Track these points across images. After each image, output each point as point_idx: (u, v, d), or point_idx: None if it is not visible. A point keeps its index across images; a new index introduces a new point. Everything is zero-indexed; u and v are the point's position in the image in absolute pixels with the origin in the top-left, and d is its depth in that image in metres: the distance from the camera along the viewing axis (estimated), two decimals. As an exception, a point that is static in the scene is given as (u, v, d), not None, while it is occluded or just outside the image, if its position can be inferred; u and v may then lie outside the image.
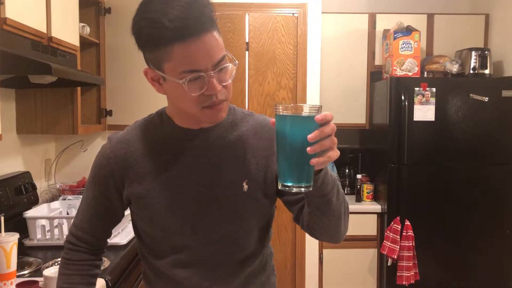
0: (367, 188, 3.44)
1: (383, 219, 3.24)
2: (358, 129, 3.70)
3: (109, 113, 2.93)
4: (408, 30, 3.24)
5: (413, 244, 3.05)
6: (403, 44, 3.20)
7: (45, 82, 2.03)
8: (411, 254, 3.04)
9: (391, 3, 3.78)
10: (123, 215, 1.20)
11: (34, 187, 2.38)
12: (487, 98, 3.09)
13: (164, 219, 1.10)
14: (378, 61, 3.52)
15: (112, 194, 1.13)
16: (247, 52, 3.28)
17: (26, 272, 1.79)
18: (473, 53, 3.28)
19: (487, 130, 3.12)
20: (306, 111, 0.87)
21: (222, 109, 1.02)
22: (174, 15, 0.91)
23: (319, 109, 0.87)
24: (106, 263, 1.85)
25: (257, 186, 1.11)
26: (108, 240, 1.25)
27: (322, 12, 3.30)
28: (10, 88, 2.39)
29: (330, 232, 1.07)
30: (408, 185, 3.11)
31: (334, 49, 3.49)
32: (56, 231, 2.17)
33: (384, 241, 3.11)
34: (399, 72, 3.22)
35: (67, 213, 2.42)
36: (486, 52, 3.28)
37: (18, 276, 1.67)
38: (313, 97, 3.29)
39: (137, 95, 2.90)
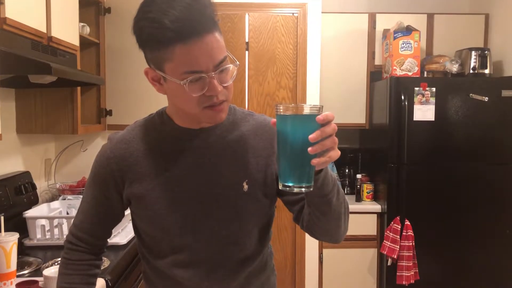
0: (367, 188, 3.44)
1: (383, 219, 3.24)
2: (358, 129, 3.70)
3: (109, 113, 2.93)
4: (408, 30, 3.24)
5: (413, 244, 3.05)
6: (403, 44, 3.20)
7: (45, 82, 2.03)
8: (411, 254, 3.04)
9: (391, 3, 3.78)
10: (123, 215, 1.20)
11: (34, 187, 2.38)
12: (487, 98, 3.09)
13: (164, 219, 1.10)
14: (378, 61, 3.52)
15: (112, 194, 1.13)
16: (247, 52, 3.28)
17: (26, 272, 1.79)
18: (473, 53, 3.28)
19: (487, 130, 3.12)
20: (307, 111, 0.87)
21: (222, 109, 1.02)
22: (175, 15, 0.91)
23: (320, 109, 0.87)
24: (106, 263, 1.85)
25: (257, 186, 1.11)
26: (108, 240, 1.25)
27: (322, 12, 3.30)
28: (10, 88, 2.39)
29: (330, 232, 1.08)
30: (408, 185, 3.11)
31: (334, 49, 3.49)
32: (56, 231, 2.17)
33: (384, 241, 3.11)
34: (399, 72, 3.22)
35: (67, 213, 2.42)
36: (486, 52, 3.28)
37: (18, 276, 1.68)
38: (313, 97, 3.29)
39: (137, 95, 2.90)
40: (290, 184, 0.88)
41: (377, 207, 3.31)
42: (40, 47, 2.01)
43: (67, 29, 2.32)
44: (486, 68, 3.28)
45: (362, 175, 3.49)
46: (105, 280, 1.70)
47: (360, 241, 3.31)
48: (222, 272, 1.12)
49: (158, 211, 1.09)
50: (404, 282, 3.03)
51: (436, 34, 3.50)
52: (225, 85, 1.00)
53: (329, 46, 3.47)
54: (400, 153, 3.10)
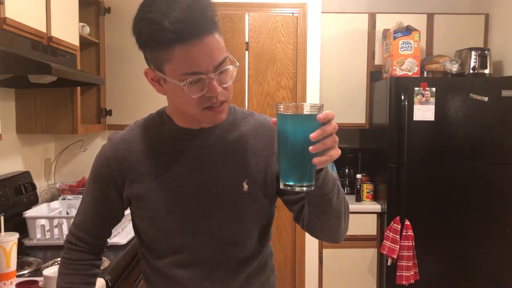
0: (367, 188, 3.44)
1: (383, 219, 3.24)
2: (358, 129, 3.70)
3: (109, 113, 2.93)
4: (408, 30, 3.24)
5: (413, 243, 3.05)
6: (403, 44, 3.20)
7: (45, 81, 2.03)
8: (411, 253, 3.04)
9: (391, 3, 3.78)
10: (123, 215, 1.20)
11: (34, 187, 2.38)
12: (487, 98, 3.09)
13: (164, 219, 1.10)
14: (378, 61, 3.52)
15: (112, 194, 1.13)
16: (247, 52, 3.28)
17: (26, 272, 1.79)
18: (473, 53, 3.28)
19: (487, 130, 3.12)
20: (307, 110, 0.86)
21: (222, 110, 1.02)
22: (175, 17, 0.90)
23: (320, 108, 0.87)
24: (106, 263, 1.85)
25: (257, 186, 1.11)
26: (108, 240, 1.25)
27: (322, 12, 3.30)
28: (10, 88, 2.39)
29: (331, 231, 1.08)
30: (408, 184, 3.11)
31: (334, 48, 3.49)
32: (56, 231, 2.17)
33: (384, 240, 3.11)
34: (399, 72, 3.22)
35: (67, 213, 2.42)
36: (486, 52, 3.28)
37: (18, 276, 1.67)
38: (313, 97, 3.29)
39: (137, 95, 2.90)
40: (291, 183, 0.88)
41: (377, 207, 3.31)
42: (40, 47, 2.01)
43: (67, 29, 2.32)
44: (486, 68, 3.28)
45: (362, 175, 3.49)
46: (105, 280, 1.71)
47: (360, 241, 3.31)
48: (222, 272, 1.12)
49: (158, 211, 1.09)
50: (404, 282, 3.03)
51: (436, 34, 3.50)
52: (225, 86, 1.00)
53: (329, 46, 3.47)
54: (400, 153, 3.10)
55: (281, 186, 0.90)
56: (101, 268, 1.68)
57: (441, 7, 3.73)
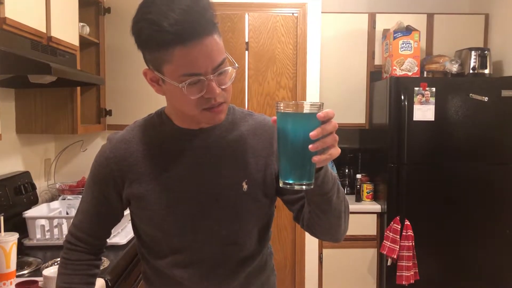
0: (366, 188, 3.44)
1: (383, 219, 3.24)
2: (358, 129, 3.70)
3: (109, 113, 2.93)
4: (407, 30, 3.24)
5: (413, 244, 3.05)
6: (402, 44, 3.20)
7: (45, 82, 2.03)
8: (411, 254, 3.04)
9: (390, 3, 3.78)
10: (122, 215, 1.20)
11: (33, 187, 2.38)
12: (486, 98, 3.09)
13: (163, 219, 1.10)
14: (377, 61, 3.52)
15: (111, 194, 1.13)
16: (246, 52, 3.28)
17: (25, 272, 1.79)
18: (473, 53, 3.28)
19: (487, 130, 3.12)
20: (307, 108, 0.86)
21: (221, 111, 1.02)
22: (174, 18, 0.90)
23: (320, 106, 0.87)
24: (105, 263, 1.85)
25: (257, 186, 1.11)
26: (107, 240, 1.25)
27: (322, 12, 3.30)
28: (10, 88, 2.39)
29: (331, 231, 1.08)
30: (408, 185, 3.11)
31: (333, 48, 3.49)
32: (55, 231, 2.17)
33: (384, 241, 3.11)
34: (398, 72, 3.22)
35: (67, 213, 2.42)
36: (486, 52, 3.28)
37: (17, 276, 1.67)
38: (312, 97, 3.29)
39: (137, 95, 2.90)
40: (291, 182, 0.88)
41: (377, 207, 3.31)
42: (39, 47, 2.01)
43: (67, 29, 2.32)
44: (486, 68, 3.28)
45: (362, 175, 3.49)
46: (104, 280, 1.70)
47: (360, 241, 3.31)
48: (222, 272, 1.12)
49: (158, 211, 1.09)
50: (404, 282, 3.03)
51: (436, 34, 3.50)
52: (224, 87, 0.99)
53: (329, 46, 3.47)
54: (400, 153, 3.10)
55: (281, 185, 0.90)
56: (101, 268, 1.67)
57: (441, 7, 3.73)
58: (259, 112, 1.24)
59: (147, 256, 1.18)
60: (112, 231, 1.25)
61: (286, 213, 3.24)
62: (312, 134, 0.84)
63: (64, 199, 2.56)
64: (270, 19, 3.26)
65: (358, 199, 3.43)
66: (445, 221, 3.14)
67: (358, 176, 3.47)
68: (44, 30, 2.05)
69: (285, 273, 3.39)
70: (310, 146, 0.84)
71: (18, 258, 1.66)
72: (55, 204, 2.46)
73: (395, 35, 3.21)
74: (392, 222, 3.10)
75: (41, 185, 2.69)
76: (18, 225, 2.07)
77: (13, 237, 1.58)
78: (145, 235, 1.16)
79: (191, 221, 1.09)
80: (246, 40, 3.27)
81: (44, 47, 2.05)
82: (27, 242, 2.12)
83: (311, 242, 3.32)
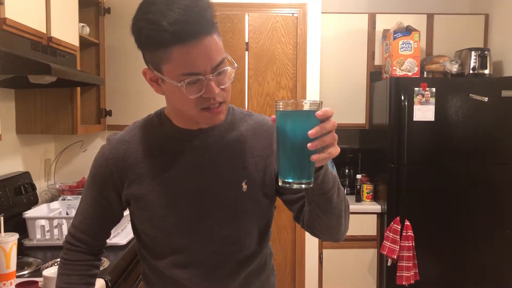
0: (367, 188, 3.44)
1: (383, 219, 3.24)
2: (357, 129, 3.70)
3: (109, 113, 2.93)
4: (407, 30, 3.24)
5: (413, 244, 3.05)
6: (402, 44, 3.20)
7: (45, 82, 2.03)
8: (411, 254, 3.04)
9: (390, 3, 3.78)
10: (122, 216, 1.20)
11: (33, 187, 2.38)
12: (486, 98, 3.09)
13: (163, 219, 1.10)
14: (377, 61, 3.52)
15: (111, 195, 1.13)
16: (246, 52, 3.28)
17: (25, 272, 1.79)
18: (473, 53, 3.28)
19: (487, 130, 3.12)
20: (306, 107, 0.86)
21: (220, 111, 1.02)
22: (174, 18, 0.90)
23: (319, 105, 0.87)
24: (105, 263, 1.85)
25: (256, 186, 1.11)
26: (107, 240, 1.25)
27: (322, 12, 3.30)
28: (10, 88, 2.39)
29: (331, 230, 1.08)
30: (408, 185, 3.11)
31: (333, 49, 3.49)
32: (55, 231, 2.17)
33: (384, 241, 3.11)
34: (398, 72, 3.22)
35: (67, 213, 2.42)
36: (486, 52, 3.28)
37: (17, 277, 1.67)
38: (312, 97, 3.29)
39: (137, 95, 2.90)
40: (290, 181, 0.88)
41: (377, 207, 3.31)
42: (39, 48, 2.01)
43: (67, 29, 2.32)
44: (486, 68, 3.28)
45: (362, 175, 3.49)
46: (104, 280, 1.71)
47: (360, 241, 3.31)
48: (221, 272, 1.12)
49: (157, 212, 1.09)
50: (404, 283, 3.03)
51: (436, 34, 3.50)
52: (223, 87, 1.00)
53: (329, 46, 3.47)
54: (400, 153, 3.10)
55: (280, 183, 0.90)
56: (101, 269, 1.68)
57: (441, 7, 3.73)
58: (259, 113, 1.24)
59: (146, 257, 1.18)
60: (112, 231, 1.25)
61: (286, 213, 3.24)
62: (310, 132, 0.84)
63: (64, 200, 2.57)
64: (270, 20, 3.26)
65: (358, 200, 3.43)
66: (445, 222, 3.14)
67: (358, 176, 3.47)
68: (44, 31, 2.05)
69: (285, 274, 3.39)
70: (308, 144, 0.84)
71: (18, 258, 1.66)
72: (55, 204, 2.46)
73: (395, 35, 3.21)
74: (392, 223, 3.10)
75: (41, 185, 2.69)
76: (18, 225, 2.07)
77: (13, 237, 1.58)
78: (144, 236, 1.16)
79: (190, 222, 1.09)
80: (246, 41, 3.27)
81: (44, 48, 2.05)
82: (27, 243, 2.12)
83: (311, 243, 3.32)
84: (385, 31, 3.44)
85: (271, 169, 1.11)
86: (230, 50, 3.22)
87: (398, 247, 3.04)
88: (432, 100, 3.09)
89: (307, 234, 3.41)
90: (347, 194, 3.58)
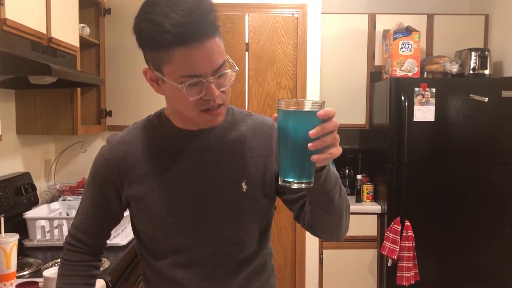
0: (367, 188, 3.44)
1: (383, 220, 3.24)
2: (358, 130, 3.70)
3: (109, 113, 2.93)
4: (408, 31, 3.24)
5: (413, 244, 3.05)
6: (403, 44, 3.20)
7: (45, 82, 2.03)
8: (411, 254, 3.04)
9: (390, 4, 3.78)
10: (122, 217, 1.20)
11: (34, 188, 2.38)
12: (487, 98, 3.09)
13: (163, 220, 1.10)
14: (378, 62, 3.52)
15: (111, 195, 1.13)
16: (247, 53, 3.28)
17: (26, 273, 1.79)
18: (473, 53, 3.28)
19: (487, 130, 3.12)
20: (308, 106, 0.86)
21: (219, 113, 1.02)
22: (176, 19, 0.90)
23: (321, 105, 0.86)
24: (106, 263, 1.85)
25: (256, 186, 1.11)
26: (107, 241, 1.25)
27: (322, 13, 3.30)
28: (10, 89, 2.40)
29: (332, 230, 1.08)
30: (408, 185, 3.11)
31: (334, 49, 3.49)
32: (56, 231, 2.17)
33: (384, 241, 3.11)
34: (399, 73, 3.22)
35: (67, 214, 2.42)
36: (486, 52, 3.28)
37: (18, 277, 1.67)
38: (313, 97, 3.29)
39: (137, 96, 2.90)
40: (290, 180, 0.88)
41: (377, 207, 3.31)
42: (40, 48, 2.01)
43: (67, 30, 2.32)
44: (486, 68, 3.28)
45: (362, 176, 3.49)
46: (105, 281, 1.71)
47: (360, 241, 3.31)
48: (221, 272, 1.12)
49: (157, 212, 1.09)
50: (404, 283, 3.03)
51: (436, 35, 3.50)
52: (223, 89, 1.00)
53: (329, 47, 3.47)
54: (400, 153, 3.10)
55: (280, 182, 0.90)
56: (101, 269, 1.67)
57: (441, 8, 3.73)
58: (259, 113, 1.24)
59: (147, 257, 1.18)
60: (112, 232, 1.25)
61: (287, 213, 3.24)
62: (311, 132, 0.84)
63: (65, 200, 2.57)
64: (270, 20, 3.26)
65: (359, 200, 3.43)
66: (446, 222, 3.14)
67: (358, 176, 3.47)
68: (44, 31, 2.05)
69: (285, 274, 3.38)
70: (309, 144, 0.84)
71: (18, 259, 1.66)
72: (55, 205, 2.46)
73: (395, 35, 3.21)
74: (392, 223, 3.10)
75: (41, 186, 2.69)
76: (18, 226, 2.07)
77: (14, 238, 1.58)
78: (144, 236, 1.16)
79: (190, 222, 1.10)
80: (246, 41, 3.27)
81: (44, 48, 2.05)
82: (27, 243, 2.12)
83: (311, 243, 3.32)
84: (385, 32, 3.44)
85: (271, 169, 1.12)
86: (230, 50, 3.22)
87: (398, 247, 3.04)
88: (432, 100, 3.09)
89: (307, 234, 3.42)
90: (347, 194, 3.57)
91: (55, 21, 2.14)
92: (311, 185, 0.89)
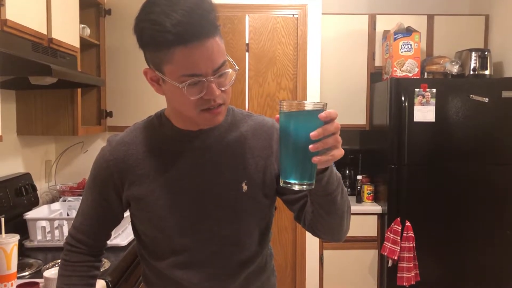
0: (367, 189, 3.44)
1: (384, 220, 3.24)
2: (358, 130, 3.70)
3: (109, 114, 2.93)
4: (408, 31, 3.24)
5: (414, 245, 3.05)
6: (403, 45, 3.20)
7: (46, 83, 2.03)
8: (412, 255, 3.03)
9: (391, 4, 3.78)
10: (122, 217, 1.21)
11: (34, 189, 2.38)
12: (487, 99, 3.09)
13: (163, 220, 1.10)
14: (378, 62, 3.52)
15: (111, 196, 1.13)
16: (247, 53, 3.28)
17: (26, 273, 1.79)
18: (473, 54, 3.28)
19: (487, 130, 3.12)
20: (310, 108, 0.86)
21: (219, 112, 1.02)
22: (177, 19, 0.90)
23: (323, 106, 0.86)
24: (106, 264, 1.85)
25: (257, 187, 1.11)
26: (107, 241, 1.25)
27: (322, 13, 3.30)
28: (11, 90, 2.40)
29: (333, 231, 1.08)
30: (408, 186, 3.11)
31: (334, 50, 3.49)
32: (56, 232, 2.17)
33: (385, 242, 3.11)
34: (399, 73, 3.22)
35: (68, 215, 2.42)
36: (486, 53, 3.28)
37: (18, 278, 1.68)
38: (313, 98, 3.29)
39: (137, 96, 2.90)
40: (291, 181, 0.88)
41: (377, 208, 3.31)
42: (40, 49, 2.01)
43: (68, 30, 2.33)
44: (486, 69, 3.28)
45: (362, 176, 3.49)
46: (105, 281, 1.71)
47: (360, 242, 3.31)
48: (222, 273, 1.12)
49: (158, 213, 1.09)
50: (404, 283, 3.03)
51: (436, 35, 3.50)
52: (224, 89, 1.00)
53: (329, 47, 3.47)
54: (400, 154, 3.10)
55: (281, 184, 0.90)
56: (102, 270, 1.68)
57: (441, 8, 3.73)
58: (259, 113, 1.24)
59: (147, 258, 1.18)
60: (113, 232, 1.25)
61: (287, 214, 3.24)
62: (312, 134, 0.84)
63: (65, 201, 2.57)
64: (271, 21, 3.26)
65: (359, 200, 3.43)
66: (446, 222, 3.14)
67: (359, 177, 3.47)
68: (44, 32, 2.05)
69: (286, 274, 3.38)
70: (310, 146, 0.84)
71: (19, 259, 1.66)
72: (55, 205, 2.46)
73: (395, 36, 3.21)
74: (392, 223, 3.10)
75: (41, 186, 2.69)
76: (18, 226, 2.07)
77: (14, 238, 1.58)
78: (145, 237, 1.16)
79: (191, 222, 1.10)
80: (247, 42, 3.27)
81: (44, 49, 2.05)
82: (28, 244, 2.12)
83: (311, 243, 3.32)
84: (386, 32, 3.44)
85: (271, 170, 1.12)
86: (230, 51, 3.22)
87: (399, 248, 3.04)
88: (433, 101, 3.09)
89: (308, 235, 3.42)
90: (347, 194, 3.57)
91: (55, 22, 2.14)
92: (312, 186, 0.89)
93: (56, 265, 1.80)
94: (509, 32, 3.33)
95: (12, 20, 1.76)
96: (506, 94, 3.09)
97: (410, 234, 3.05)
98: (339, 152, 0.88)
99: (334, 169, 0.97)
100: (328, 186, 0.95)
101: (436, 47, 3.51)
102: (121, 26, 2.86)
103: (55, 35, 2.14)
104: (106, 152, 1.13)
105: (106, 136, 2.90)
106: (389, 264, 3.09)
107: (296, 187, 0.88)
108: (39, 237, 2.13)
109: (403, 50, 3.20)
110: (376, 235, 3.32)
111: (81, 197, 2.08)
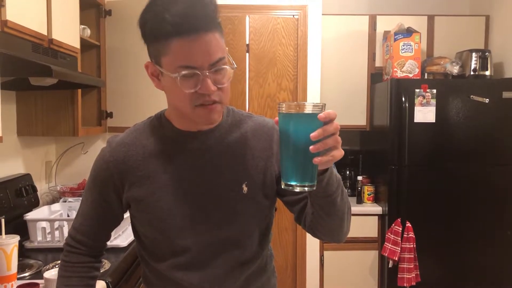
0: (368, 190, 3.44)
1: (384, 221, 3.24)
2: (358, 131, 3.70)
3: (110, 115, 2.93)
4: (408, 32, 3.24)
5: (414, 245, 3.05)
6: (403, 45, 3.20)
7: (46, 84, 2.03)
8: (412, 256, 3.03)
9: (391, 5, 3.78)
10: (122, 218, 1.20)
11: (34, 189, 2.38)
12: (487, 99, 3.09)
13: (164, 221, 1.10)
14: (378, 63, 3.52)
15: (111, 197, 1.13)
16: (247, 54, 3.28)
17: (26, 274, 1.79)
18: (474, 54, 3.28)
19: (488, 131, 3.12)
20: (309, 109, 0.86)
21: (214, 109, 1.01)
22: (176, 10, 0.92)
23: (322, 107, 0.86)
24: (106, 265, 1.85)
25: (257, 188, 1.11)
26: (107, 242, 1.25)
27: (323, 14, 3.30)
28: (11, 90, 2.40)
29: (333, 232, 1.07)
30: (409, 186, 3.11)
31: (334, 50, 3.49)
32: (56, 233, 2.17)
33: (385, 243, 3.11)
34: (399, 74, 3.22)
35: (68, 215, 2.42)
36: (487, 53, 3.28)
37: (18, 279, 1.67)
38: (313, 99, 3.29)
39: (138, 97, 2.90)
40: (293, 183, 0.88)
41: (378, 209, 3.31)
42: (40, 50, 2.01)
43: (68, 31, 2.33)
44: (486, 69, 3.28)
45: (363, 177, 3.49)
46: (105, 282, 1.70)
47: (361, 243, 3.30)
48: (222, 274, 1.12)
49: (158, 214, 1.09)
50: (405, 284, 3.02)
51: (436, 36, 3.50)
52: (220, 86, 0.99)
53: (330, 48, 3.47)
54: (401, 155, 3.10)
55: (283, 186, 0.89)
56: (102, 271, 1.68)
57: (441, 9, 3.73)
58: (259, 114, 1.24)
59: (147, 259, 1.18)
60: (113, 233, 1.25)
61: (287, 215, 3.23)
62: (312, 135, 0.84)
63: (65, 202, 2.56)
64: (271, 21, 3.26)
65: (359, 201, 3.43)
66: (447, 223, 3.14)
67: (359, 178, 3.46)
68: (45, 33, 2.05)
69: (286, 275, 3.38)
70: (310, 147, 0.84)
71: (19, 260, 1.66)
72: (56, 206, 2.46)
73: (395, 37, 3.21)
74: (393, 224, 3.09)
75: (42, 187, 2.69)
76: (19, 227, 2.07)
77: (14, 239, 1.58)
78: (145, 238, 1.16)
79: (191, 223, 1.09)
80: (247, 42, 3.27)
81: (45, 50, 2.05)
82: (28, 245, 2.12)
83: (312, 244, 3.32)
84: (386, 33, 3.44)
85: (271, 171, 1.11)
86: (230, 51, 3.22)
87: (399, 248, 3.04)
88: (433, 101, 3.09)
89: (308, 236, 3.42)
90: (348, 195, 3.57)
91: (55, 23, 2.14)
92: (314, 188, 0.89)
93: (56, 266, 1.79)
94: (510, 32, 3.33)
95: (12, 21, 1.76)
96: (506, 94, 3.09)
97: (410, 235, 3.04)
98: (339, 153, 0.88)
99: (334, 170, 0.97)
100: (328, 188, 0.95)
101: (436, 48, 3.51)
102: (121, 27, 2.86)
103: (56, 36, 2.14)
104: (106, 153, 1.13)
105: (106, 137, 2.89)
106: (390, 265, 3.09)
107: (298, 189, 0.88)
108: (39, 238, 2.13)
109: (403, 51, 3.20)
110: (376, 236, 3.32)
111: (81, 198, 2.08)
